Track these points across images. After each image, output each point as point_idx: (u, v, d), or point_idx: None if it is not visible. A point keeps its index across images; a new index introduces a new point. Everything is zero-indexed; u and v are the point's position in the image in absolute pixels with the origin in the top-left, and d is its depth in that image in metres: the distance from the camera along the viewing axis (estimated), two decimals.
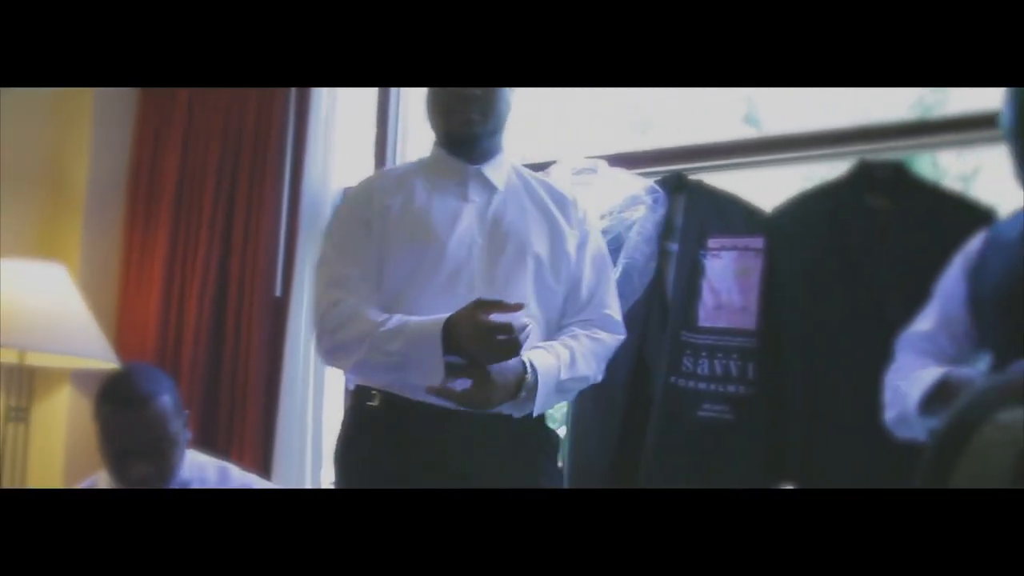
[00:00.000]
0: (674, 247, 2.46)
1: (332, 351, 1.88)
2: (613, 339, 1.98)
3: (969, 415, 1.21)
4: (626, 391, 2.42)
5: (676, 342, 2.37)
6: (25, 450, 2.89)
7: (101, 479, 2.16)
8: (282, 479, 2.76)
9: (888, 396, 1.72)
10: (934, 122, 2.48)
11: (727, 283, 2.36)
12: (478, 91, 1.87)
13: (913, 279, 1.95)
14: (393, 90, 3.02)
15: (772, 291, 2.32)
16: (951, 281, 1.73)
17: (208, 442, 2.74)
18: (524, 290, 1.87)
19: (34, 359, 2.90)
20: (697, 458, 2.31)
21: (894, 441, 1.72)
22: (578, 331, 1.92)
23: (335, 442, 1.95)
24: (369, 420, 1.86)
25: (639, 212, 2.44)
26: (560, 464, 2.45)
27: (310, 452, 2.81)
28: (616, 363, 2.45)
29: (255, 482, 2.25)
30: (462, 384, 1.73)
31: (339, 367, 1.96)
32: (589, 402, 2.45)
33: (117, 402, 2.04)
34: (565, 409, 2.55)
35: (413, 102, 3.02)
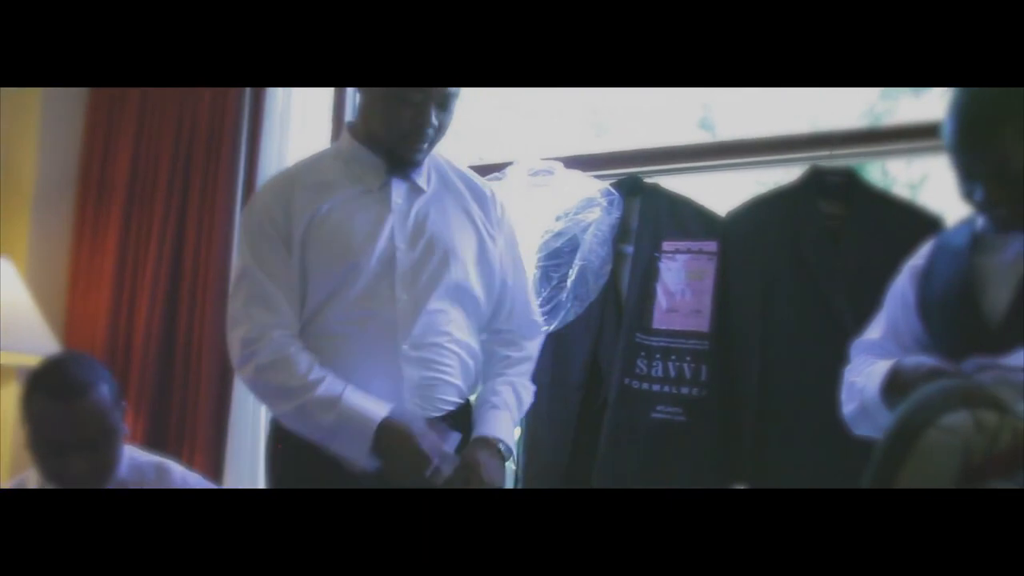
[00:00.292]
0: (629, 249, 2.48)
1: (253, 385, 1.82)
2: (536, 349, 2.05)
3: (915, 418, 1.24)
4: (580, 392, 2.44)
5: (630, 344, 2.39)
6: None
7: (30, 478, 2.01)
8: (234, 479, 2.74)
9: (844, 393, 1.75)
10: (884, 130, 2.52)
11: (681, 286, 2.38)
12: (436, 122, 1.81)
13: (864, 283, 1.99)
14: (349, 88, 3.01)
15: (725, 294, 2.34)
16: (900, 290, 1.77)
17: (159, 442, 2.71)
18: (446, 295, 1.85)
19: None
20: (650, 459, 2.32)
21: (844, 443, 1.75)
22: (510, 367, 1.96)
23: (264, 450, 1.95)
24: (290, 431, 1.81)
25: (595, 214, 2.45)
26: (514, 466, 2.47)
27: (263, 452, 2.77)
28: (570, 365, 2.47)
29: (197, 482, 2.12)
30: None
31: (257, 398, 1.93)
32: (543, 404, 2.46)
33: (52, 392, 1.88)
34: None
35: None
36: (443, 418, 1.83)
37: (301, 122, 2.97)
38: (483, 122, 3.17)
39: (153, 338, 2.93)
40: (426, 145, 1.84)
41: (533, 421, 2.48)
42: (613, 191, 2.48)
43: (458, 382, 1.86)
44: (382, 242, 1.82)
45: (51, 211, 3.12)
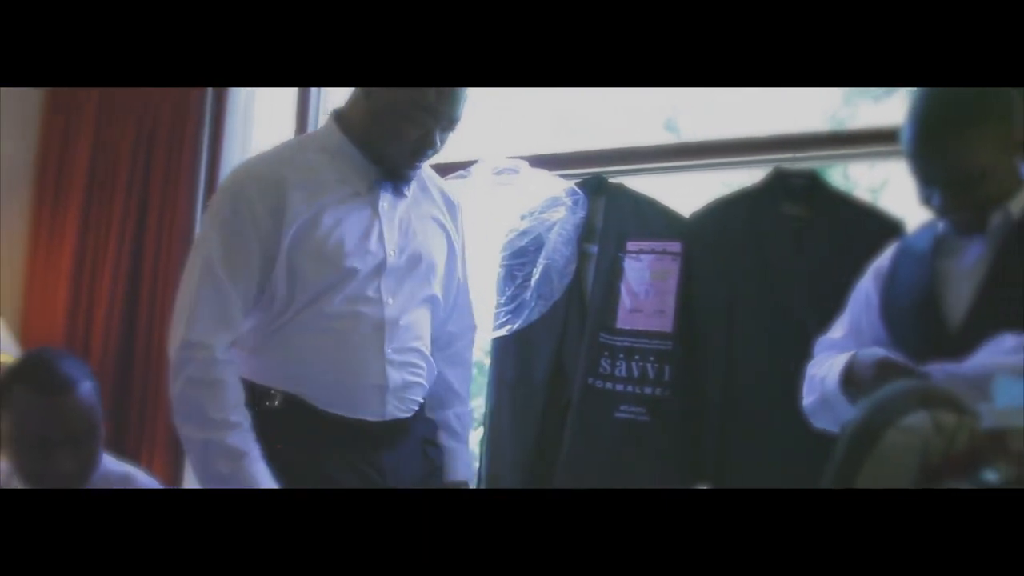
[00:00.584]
0: (593, 249, 2.48)
1: (179, 395, 1.75)
2: (470, 351, 2.11)
3: (875, 419, 1.25)
4: (544, 392, 2.44)
5: (594, 343, 2.39)
6: None
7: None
8: (194, 480, 2.70)
9: (805, 386, 1.77)
10: (847, 134, 2.55)
11: (645, 286, 2.39)
12: (438, 144, 1.82)
13: (826, 285, 2.01)
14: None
15: (689, 294, 2.35)
16: (863, 291, 1.79)
17: (118, 443, 2.66)
18: (423, 303, 1.89)
19: None
20: (614, 459, 2.33)
21: (806, 443, 1.77)
22: (457, 402, 2.02)
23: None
24: (269, 424, 1.78)
25: (559, 213, 2.45)
26: (477, 464, 2.47)
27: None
28: (534, 364, 2.47)
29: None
30: None
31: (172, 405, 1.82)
32: (506, 403, 2.46)
33: (38, 387, 1.84)
34: (483, 410, 2.55)
35: (333, 95, 2.99)
36: (409, 417, 1.86)
37: (265, 121, 2.95)
38: None
39: (112, 338, 2.89)
40: (424, 162, 1.87)
41: (497, 420, 2.48)
42: (578, 190, 2.49)
43: (425, 384, 1.91)
44: (372, 247, 1.82)
45: (7, 211, 3.06)
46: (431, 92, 1.76)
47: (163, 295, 2.87)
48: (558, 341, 2.44)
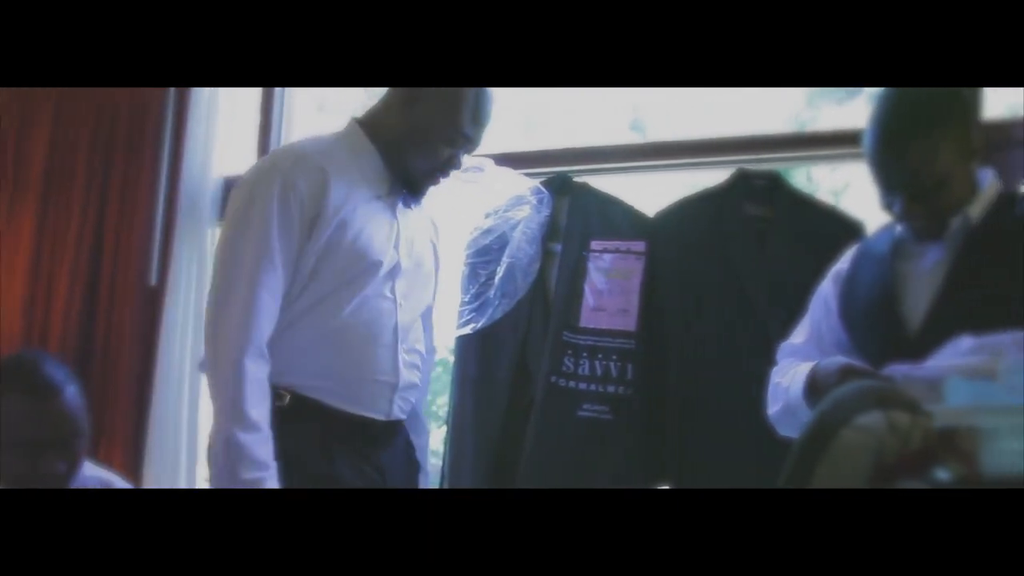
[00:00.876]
0: (558, 247, 2.49)
1: (232, 370, 1.70)
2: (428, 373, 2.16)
3: (829, 418, 1.26)
4: (507, 390, 2.44)
5: (557, 342, 2.40)
6: None
7: None
8: (154, 479, 2.67)
9: (770, 394, 1.78)
10: (809, 136, 2.57)
11: (608, 284, 2.40)
12: (458, 167, 1.93)
13: (788, 285, 2.03)
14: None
15: (652, 293, 2.36)
16: (823, 295, 1.80)
17: None
18: (423, 311, 2.01)
19: None
20: (577, 457, 2.33)
21: (767, 443, 1.78)
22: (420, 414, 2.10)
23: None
24: (277, 424, 1.77)
25: (524, 212, 2.45)
26: (439, 462, 2.46)
27: (184, 451, 2.71)
28: (498, 362, 2.47)
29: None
30: None
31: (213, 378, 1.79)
32: (470, 401, 2.46)
33: (27, 390, 1.86)
34: (446, 408, 2.55)
35: (298, 91, 2.97)
36: (404, 419, 1.96)
37: (229, 111, 2.91)
38: None
39: (70, 336, 2.85)
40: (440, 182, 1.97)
41: (460, 418, 2.47)
42: (543, 189, 2.49)
43: (421, 386, 2.01)
44: (390, 250, 1.88)
45: None
46: (470, 117, 1.85)
47: (123, 294, 2.83)
48: (522, 339, 2.44)
